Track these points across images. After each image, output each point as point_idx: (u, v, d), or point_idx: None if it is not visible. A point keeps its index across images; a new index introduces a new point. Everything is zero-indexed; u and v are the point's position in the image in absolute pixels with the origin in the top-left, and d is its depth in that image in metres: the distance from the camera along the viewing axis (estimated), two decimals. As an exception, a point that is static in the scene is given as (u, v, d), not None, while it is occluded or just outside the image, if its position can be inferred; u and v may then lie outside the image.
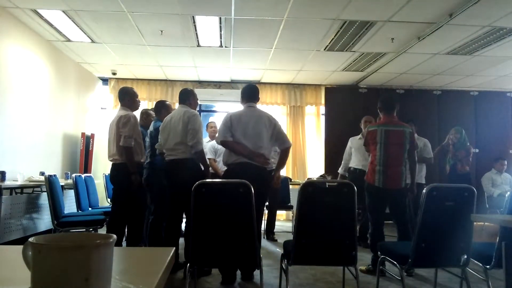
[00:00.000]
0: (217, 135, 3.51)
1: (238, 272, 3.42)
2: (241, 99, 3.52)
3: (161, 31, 5.13)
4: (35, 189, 4.77)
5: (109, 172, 3.98)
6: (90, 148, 6.62)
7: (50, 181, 4.05)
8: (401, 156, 3.56)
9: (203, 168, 3.52)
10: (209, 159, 4.81)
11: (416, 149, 3.82)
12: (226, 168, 3.39)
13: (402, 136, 3.57)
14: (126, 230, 3.91)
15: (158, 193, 3.79)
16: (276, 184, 3.48)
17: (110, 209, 4.07)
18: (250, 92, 3.49)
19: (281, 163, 3.51)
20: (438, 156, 5.49)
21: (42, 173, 5.05)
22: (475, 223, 2.50)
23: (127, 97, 3.94)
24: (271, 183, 3.43)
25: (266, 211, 4.77)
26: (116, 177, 3.81)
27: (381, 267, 3.06)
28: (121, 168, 3.72)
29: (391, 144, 3.54)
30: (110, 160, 3.88)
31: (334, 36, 5.21)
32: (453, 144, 5.37)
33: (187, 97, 3.66)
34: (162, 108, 4.10)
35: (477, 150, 7.51)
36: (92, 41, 5.60)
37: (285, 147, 3.41)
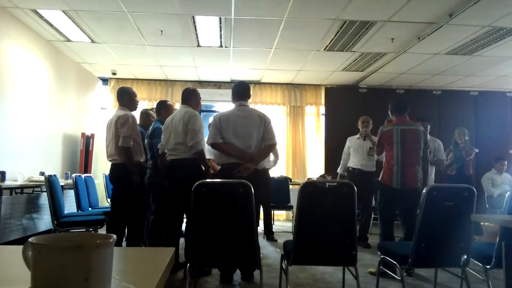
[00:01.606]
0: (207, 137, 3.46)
1: (237, 273, 3.42)
2: (232, 98, 3.46)
3: (161, 31, 5.13)
4: (35, 189, 4.76)
5: (109, 172, 3.98)
6: (90, 148, 6.62)
7: (50, 181, 4.04)
8: (417, 155, 3.55)
9: (203, 168, 3.52)
10: (208, 159, 4.79)
11: (428, 149, 3.76)
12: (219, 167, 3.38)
13: (417, 135, 3.57)
14: (126, 230, 3.90)
15: (160, 192, 3.78)
16: (239, 171, 3.10)
17: (110, 209, 4.07)
18: (241, 90, 3.44)
19: (259, 156, 3.23)
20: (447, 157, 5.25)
21: (42, 173, 5.05)
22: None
23: (126, 97, 3.93)
24: (267, 182, 3.40)
25: (261, 212, 4.73)
26: (115, 177, 3.80)
27: (384, 268, 3.03)
28: (120, 168, 3.72)
29: (408, 142, 3.54)
30: (110, 161, 3.86)
31: (334, 36, 5.21)
32: (467, 145, 5.20)
33: (188, 97, 3.64)
34: (161, 108, 4.09)
35: (477, 150, 7.50)
36: (92, 41, 5.60)
37: (268, 144, 3.28)
